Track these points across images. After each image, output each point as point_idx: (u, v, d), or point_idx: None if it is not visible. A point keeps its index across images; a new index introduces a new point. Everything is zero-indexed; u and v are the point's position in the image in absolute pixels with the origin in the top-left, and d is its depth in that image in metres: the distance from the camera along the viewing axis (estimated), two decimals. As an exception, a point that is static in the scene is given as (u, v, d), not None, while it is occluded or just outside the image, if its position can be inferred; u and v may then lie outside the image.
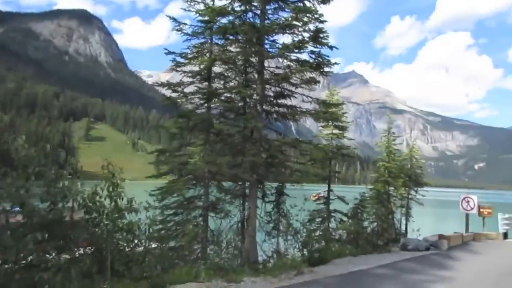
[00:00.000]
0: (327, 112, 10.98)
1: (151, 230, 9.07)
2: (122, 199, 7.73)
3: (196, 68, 12.90)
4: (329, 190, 16.68)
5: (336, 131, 17.02)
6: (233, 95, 11.74)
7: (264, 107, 11.49)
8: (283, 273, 9.63)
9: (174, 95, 12.78)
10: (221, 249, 10.13)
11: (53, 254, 7.00)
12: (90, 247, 7.87)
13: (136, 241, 8.46)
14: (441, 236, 16.12)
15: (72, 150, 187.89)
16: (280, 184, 12.35)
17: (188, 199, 11.37)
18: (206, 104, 12.27)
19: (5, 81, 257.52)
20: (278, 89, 11.87)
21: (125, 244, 8.41)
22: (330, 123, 16.85)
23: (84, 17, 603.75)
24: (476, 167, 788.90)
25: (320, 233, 15.57)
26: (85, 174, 11.71)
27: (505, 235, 20.08)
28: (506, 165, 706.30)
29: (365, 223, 16.77)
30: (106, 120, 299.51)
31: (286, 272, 9.76)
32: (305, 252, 12.58)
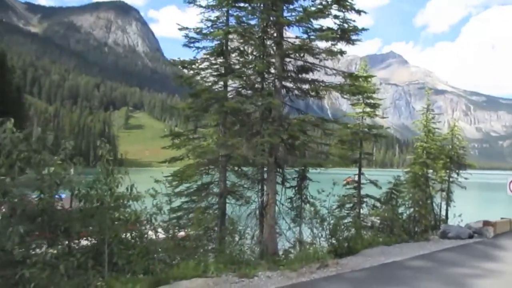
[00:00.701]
0: (353, 85, 9.70)
1: (157, 220, 8.32)
2: (118, 186, 6.94)
3: (211, 44, 11.96)
4: (360, 174, 15.42)
5: (368, 109, 15.62)
6: (250, 71, 10.69)
7: (284, 83, 10.41)
8: (305, 266, 8.65)
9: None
10: (238, 240, 9.23)
11: (43, 248, 6.33)
12: (89, 240, 7.22)
13: (139, 232, 7.71)
14: (486, 223, 14.58)
15: (112, 138, 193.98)
16: (302, 167, 11.27)
17: (203, 186, 10.54)
18: (221, 82, 11.31)
19: (50, 73, 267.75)
20: (299, 62, 10.72)
21: (129, 236, 7.73)
22: (361, 101, 15.50)
23: (121, 8, 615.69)
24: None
25: (350, 220, 14.45)
26: (127, 161, 11.16)
27: (557, 220, 18.11)
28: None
29: (401, 209, 15.43)
30: (144, 108, 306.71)
31: (308, 265, 8.77)
32: (332, 241, 11.56)
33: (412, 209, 15.38)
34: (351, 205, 15.52)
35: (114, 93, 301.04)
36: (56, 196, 6.66)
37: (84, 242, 7.23)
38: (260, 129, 9.21)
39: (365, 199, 15.56)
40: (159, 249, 7.80)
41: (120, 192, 7.34)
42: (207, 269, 7.66)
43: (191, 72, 11.53)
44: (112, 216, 7.11)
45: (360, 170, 15.49)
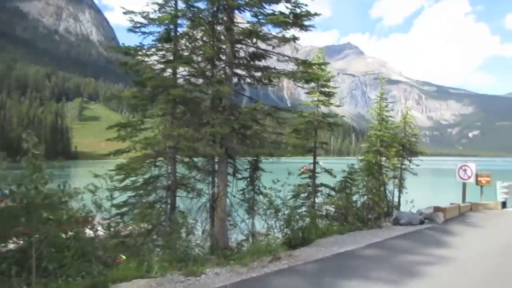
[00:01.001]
0: (306, 72, 9.37)
1: (98, 217, 7.71)
2: (46, 183, 6.26)
3: (159, 29, 11.26)
4: (315, 163, 15.30)
5: (323, 97, 15.44)
6: (199, 58, 10.14)
7: (235, 70, 9.94)
8: (256, 260, 8.35)
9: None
10: (186, 235, 8.73)
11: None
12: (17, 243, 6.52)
13: (75, 232, 7.06)
14: (436, 208, 14.91)
15: (65, 130, 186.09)
16: (255, 157, 10.92)
17: (150, 179, 9.93)
18: (170, 70, 10.67)
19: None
20: (251, 49, 10.28)
21: (64, 237, 7.07)
22: (316, 89, 15.30)
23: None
24: (470, 135, 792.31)
25: (305, 209, 14.33)
26: (83, 154, 10.26)
27: (504, 204, 18.95)
28: (500, 132, 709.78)
29: (355, 197, 15.50)
30: (100, 99, 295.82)
31: (260, 258, 8.48)
32: (287, 232, 11.34)
33: (366, 197, 15.47)
34: (306, 194, 15.40)
35: (67, 84, 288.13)
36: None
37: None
38: (209, 119, 8.72)
39: (320, 188, 15.50)
40: (97, 249, 7.18)
41: (53, 189, 6.69)
42: (150, 269, 7.15)
43: (139, 58, 10.79)
44: (41, 216, 6.43)
45: (315, 159, 15.38)
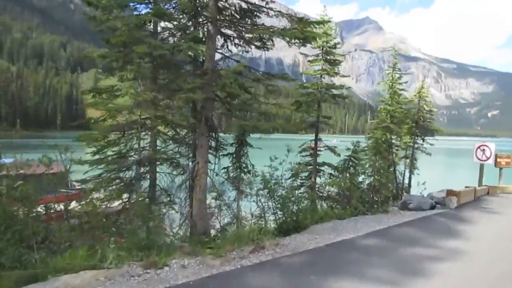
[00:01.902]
0: (297, 29, 7.83)
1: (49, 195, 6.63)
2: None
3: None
4: (317, 139, 13.98)
5: (327, 66, 13.93)
6: (181, 14, 8.78)
7: (221, 29, 8.57)
8: (236, 250, 7.25)
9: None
10: (160, 217, 7.63)
11: None
12: None
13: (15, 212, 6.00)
14: (449, 192, 13.55)
15: (80, 101, 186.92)
16: (243, 132, 9.68)
17: (122, 153, 8.78)
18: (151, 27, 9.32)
19: (11, 31, 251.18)
20: (241, 4, 8.86)
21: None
22: (320, 57, 13.81)
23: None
24: (489, 115, 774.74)
25: (305, 191, 13.15)
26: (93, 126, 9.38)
27: (525, 188, 17.45)
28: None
29: (361, 178, 14.23)
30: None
31: (241, 247, 7.37)
32: (280, 216, 10.22)
33: (372, 178, 14.17)
34: (307, 174, 14.18)
35: (82, 54, 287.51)
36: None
37: None
38: (184, 84, 7.43)
39: (322, 168, 14.24)
40: (42, 233, 6.10)
41: None
42: (104, 258, 6.07)
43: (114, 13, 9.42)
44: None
45: (317, 135, 14.05)
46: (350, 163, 13.46)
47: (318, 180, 14.29)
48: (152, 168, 9.47)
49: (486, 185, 16.59)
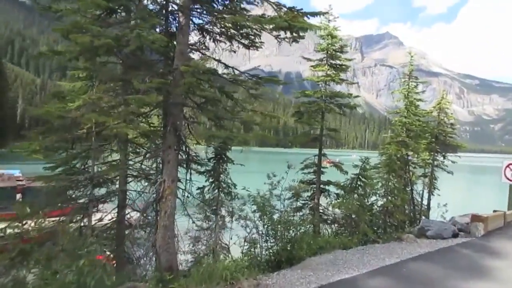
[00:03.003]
0: (280, 17, 6.29)
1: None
2: None
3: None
4: (321, 154, 12.36)
5: (332, 72, 12.35)
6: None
7: (195, 19, 7.19)
8: (201, 293, 5.72)
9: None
10: (95, 253, 6.11)
11: None
12: None
13: None
14: (475, 217, 11.70)
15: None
16: (221, 143, 8.19)
17: (71, 168, 7.38)
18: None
19: (38, 44, 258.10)
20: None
21: None
22: (324, 61, 12.28)
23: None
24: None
25: (308, 213, 11.55)
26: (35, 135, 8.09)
27: (562, 214, 15.29)
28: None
29: (372, 199, 12.52)
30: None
31: (209, 289, 5.84)
32: (272, 245, 8.66)
33: (385, 200, 12.44)
34: (310, 193, 12.56)
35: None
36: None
37: None
38: (138, 84, 6.00)
39: (326, 187, 12.59)
40: None
41: None
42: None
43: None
44: None
45: (320, 150, 12.44)
46: (358, 182, 11.82)
47: (323, 200, 12.67)
48: (121, 186, 8.07)
49: (517, 209, 14.60)
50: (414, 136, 14.38)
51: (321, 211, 12.25)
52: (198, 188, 8.32)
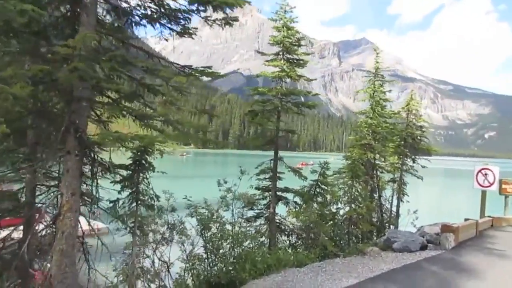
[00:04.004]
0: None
1: None
2: None
3: None
4: (277, 159, 11.17)
5: (288, 67, 11.14)
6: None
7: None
8: None
9: None
10: None
11: None
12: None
13: None
14: (445, 228, 10.73)
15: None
16: (142, 147, 6.87)
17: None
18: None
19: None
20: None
21: None
22: (280, 56, 11.10)
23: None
24: (486, 136, 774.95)
25: (262, 223, 10.34)
26: None
27: (536, 221, 14.54)
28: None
29: (335, 207, 11.42)
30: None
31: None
32: (208, 267, 7.39)
33: (348, 209, 11.34)
34: (266, 201, 11.35)
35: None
36: None
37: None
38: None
39: (283, 194, 11.41)
40: None
41: None
42: None
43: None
44: None
45: (276, 153, 11.24)
46: (317, 189, 10.70)
47: (282, 209, 11.49)
48: (27, 199, 6.65)
49: (490, 216, 13.75)
50: (380, 139, 13.40)
51: (277, 221, 11.07)
52: (111, 202, 6.98)
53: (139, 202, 7.10)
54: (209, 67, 6.34)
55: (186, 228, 8.14)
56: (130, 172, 7.04)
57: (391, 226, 14.62)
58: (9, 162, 6.26)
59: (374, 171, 13.90)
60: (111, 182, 6.83)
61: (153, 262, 7.24)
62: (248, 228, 10.26)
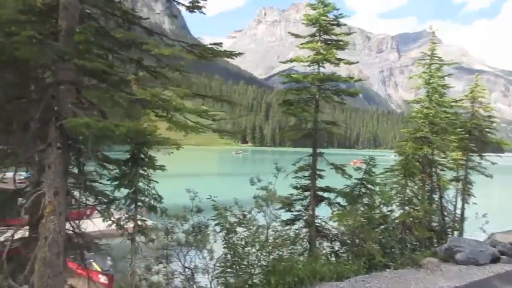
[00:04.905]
0: None
1: None
2: None
3: None
4: (316, 154, 9.91)
5: (325, 50, 9.74)
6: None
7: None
8: None
9: None
10: None
11: None
12: None
13: None
14: (523, 235, 8.96)
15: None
16: (140, 143, 5.98)
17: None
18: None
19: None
20: None
21: None
22: (317, 36, 9.80)
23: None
24: None
25: (302, 226, 9.22)
26: None
27: None
28: None
29: (385, 209, 9.98)
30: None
31: None
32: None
33: (401, 211, 9.84)
34: (307, 202, 10.13)
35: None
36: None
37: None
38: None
39: (324, 194, 10.13)
40: None
41: None
42: None
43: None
44: None
45: (315, 148, 9.96)
46: (362, 189, 9.33)
47: (325, 211, 10.24)
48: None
49: None
50: (439, 131, 11.66)
51: (317, 224, 9.84)
52: (104, 203, 6.16)
53: (138, 203, 6.27)
54: (220, 44, 5.36)
55: (210, 231, 7.22)
56: (126, 169, 6.21)
57: (455, 232, 12.78)
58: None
59: (432, 169, 12.19)
60: (108, 180, 6.06)
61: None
62: (284, 232, 9.14)
